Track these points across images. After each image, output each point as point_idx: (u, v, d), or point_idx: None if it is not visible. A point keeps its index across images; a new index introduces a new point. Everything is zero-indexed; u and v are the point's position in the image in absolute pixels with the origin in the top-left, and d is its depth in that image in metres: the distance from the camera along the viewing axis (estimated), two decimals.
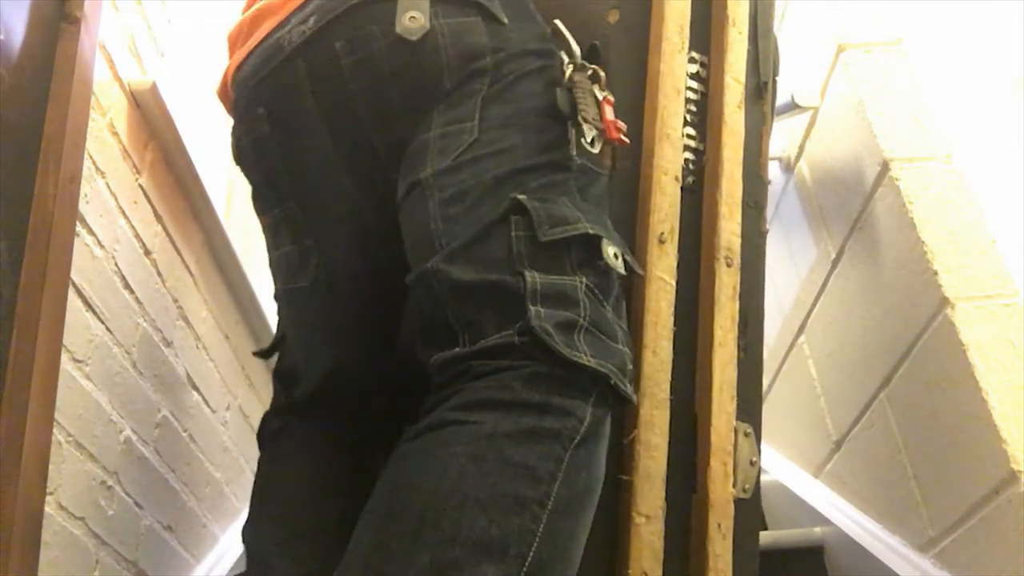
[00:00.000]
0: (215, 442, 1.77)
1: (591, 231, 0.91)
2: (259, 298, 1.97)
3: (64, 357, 1.12)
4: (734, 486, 1.08)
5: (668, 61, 1.13)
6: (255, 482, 1.19)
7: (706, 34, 1.20)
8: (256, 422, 2.07)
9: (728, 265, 1.13)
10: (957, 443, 1.20)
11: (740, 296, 1.13)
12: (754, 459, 1.12)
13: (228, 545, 1.81)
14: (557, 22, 1.04)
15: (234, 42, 1.18)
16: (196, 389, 1.65)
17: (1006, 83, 1.41)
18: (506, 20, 1.01)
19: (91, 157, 1.24)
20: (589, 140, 0.96)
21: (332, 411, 1.18)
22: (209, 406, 1.73)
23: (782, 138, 1.76)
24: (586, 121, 0.95)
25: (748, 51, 1.19)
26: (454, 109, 0.99)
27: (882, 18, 1.45)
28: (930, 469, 1.29)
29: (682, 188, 1.13)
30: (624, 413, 1.02)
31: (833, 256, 1.55)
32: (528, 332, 0.83)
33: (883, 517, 1.45)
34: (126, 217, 1.36)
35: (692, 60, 1.17)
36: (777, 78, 1.27)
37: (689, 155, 1.17)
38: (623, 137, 0.98)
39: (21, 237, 1.02)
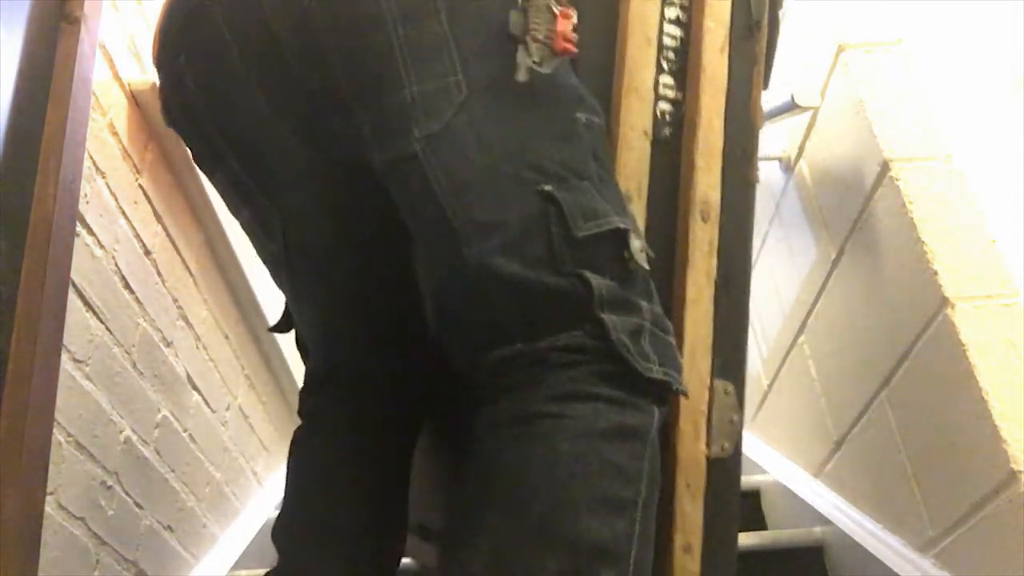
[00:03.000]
0: (215, 442, 1.77)
1: (621, 225, 0.90)
2: (259, 298, 1.97)
3: (64, 357, 1.12)
4: (709, 445, 1.06)
5: (638, 6, 1.08)
6: (287, 468, 1.13)
7: None
8: (256, 422, 2.08)
9: (704, 220, 1.08)
10: (957, 443, 1.20)
11: (720, 251, 1.08)
12: (735, 417, 1.08)
13: (228, 545, 1.81)
14: None
15: None
16: (196, 389, 1.65)
17: (1006, 83, 1.41)
18: None
19: (91, 157, 1.24)
20: (538, 60, 0.90)
21: (342, 385, 1.12)
22: (209, 406, 1.73)
23: (782, 138, 1.76)
24: (536, 40, 0.90)
25: None
26: (428, 62, 0.89)
27: (882, 18, 1.45)
28: (930, 469, 1.29)
29: (657, 141, 1.08)
30: None
31: (833, 256, 1.55)
32: (603, 338, 0.84)
33: (883, 517, 1.45)
34: (126, 217, 1.36)
35: (671, 4, 1.12)
36: (780, 12, 1.19)
37: (666, 106, 1.11)
38: (568, 46, 0.91)
39: (21, 237, 1.02)
